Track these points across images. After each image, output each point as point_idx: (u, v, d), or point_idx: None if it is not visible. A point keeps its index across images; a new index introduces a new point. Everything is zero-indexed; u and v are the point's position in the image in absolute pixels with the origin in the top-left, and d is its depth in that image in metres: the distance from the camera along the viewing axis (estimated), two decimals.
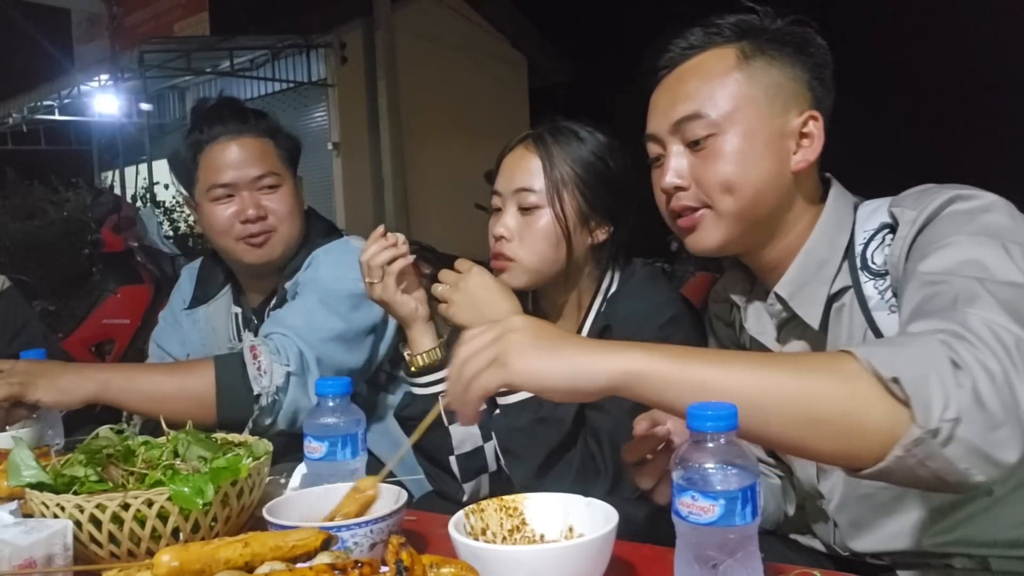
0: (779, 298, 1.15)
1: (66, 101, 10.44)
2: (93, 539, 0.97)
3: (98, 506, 0.95)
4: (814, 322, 1.12)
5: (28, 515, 1.02)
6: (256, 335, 1.77)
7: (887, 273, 1.07)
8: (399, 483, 1.06)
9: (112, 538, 0.97)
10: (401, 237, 1.40)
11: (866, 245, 1.10)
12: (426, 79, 9.74)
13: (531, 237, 1.37)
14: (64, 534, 0.93)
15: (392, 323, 1.71)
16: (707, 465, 0.76)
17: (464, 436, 1.38)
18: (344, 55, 9.56)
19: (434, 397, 1.38)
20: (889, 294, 1.06)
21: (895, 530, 1.11)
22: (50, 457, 1.18)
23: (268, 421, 1.52)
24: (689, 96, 1.12)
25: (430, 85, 9.81)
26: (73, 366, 1.54)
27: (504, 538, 0.96)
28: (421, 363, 1.39)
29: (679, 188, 1.14)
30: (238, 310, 1.83)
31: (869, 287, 1.08)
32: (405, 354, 1.42)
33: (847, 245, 1.12)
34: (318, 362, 1.56)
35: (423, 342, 1.39)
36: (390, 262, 1.37)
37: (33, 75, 10.44)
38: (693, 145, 1.12)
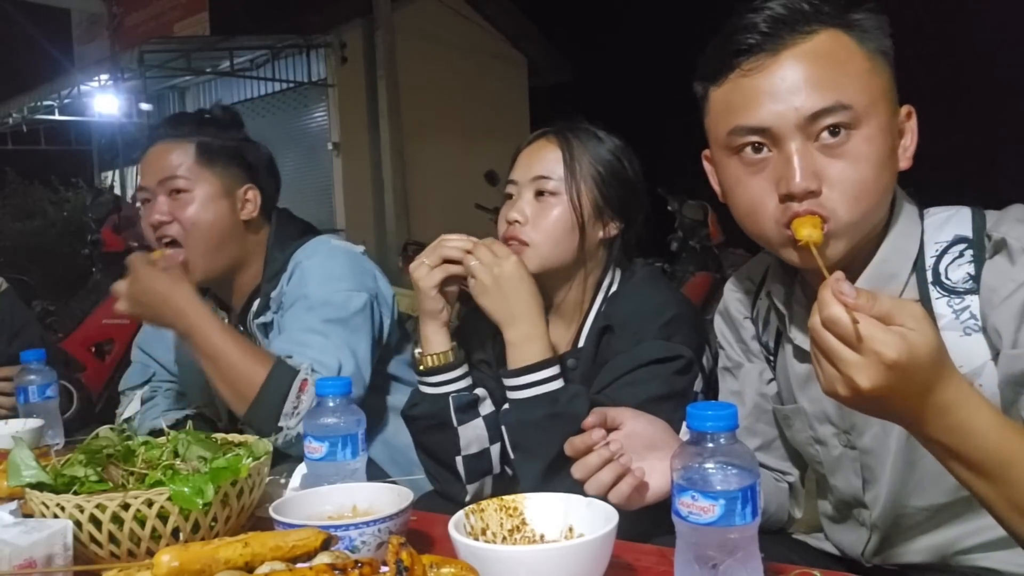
0: None
1: (66, 101, 10.44)
2: (93, 539, 0.96)
3: (98, 506, 0.95)
4: None
5: (28, 515, 1.02)
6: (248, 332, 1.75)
7: (967, 292, 0.99)
8: (395, 483, 1.06)
9: (112, 538, 0.96)
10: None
11: (938, 259, 1.02)
12: (426, 79, 9.74)
13: (545, 222, 1.38)
14: (64, 534, 0.93)
15: (388, 326, 1.71)
16: (707, 465, 0.76)
17: (472, 438, 1.38)
18: (344, 55, 9.56)
19: (444, 397, 1.37)
20: (967, 315, 0.99)
21: (927, 545, 1.10)
22: (50, 457, 1.18)
23: (281, 445, 1.51)
24: (825, 84, 0.96)
25: (430, 85, 9.81)
26: (185, 295, 1.52)
27: (504, 538, 0.96)
28: (431, 363, 1.38)
29: (811, 193, 0.97)
30: (223, 314, 1.78)
31: (941, 304, 1.00)
32: (416, 353, 1.41)
33: (915, 257, 1.04)
34: None
35: (436, 341, 1.39)
36: (456, 262, 1.36)
37: (33, 75, 10.45)
38: (827, 140, 0.97)
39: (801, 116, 0.97)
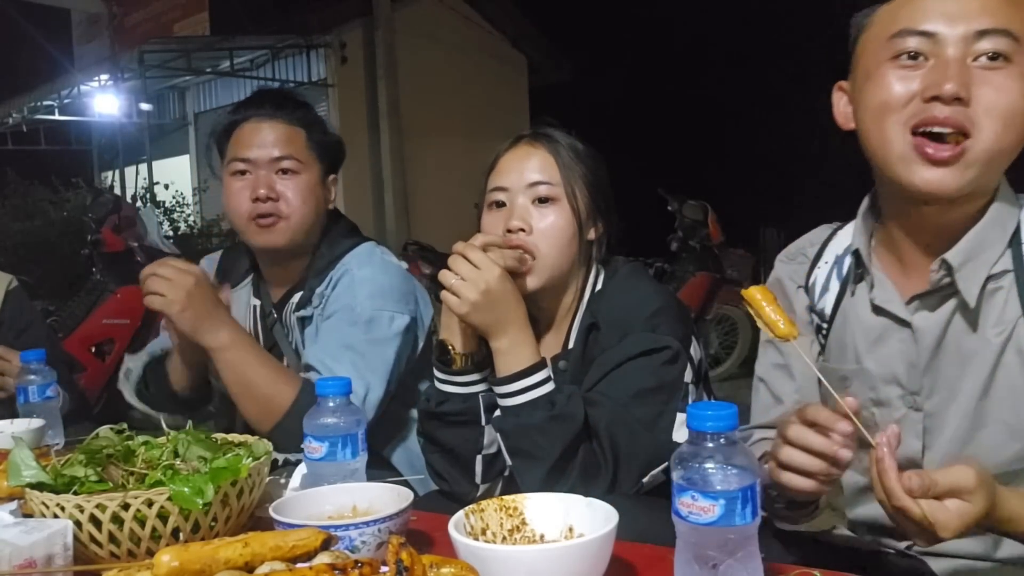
0: (946, 265, 1.07)
1: (66, 101, 10.46)
2: (93, 539, 0.97)
3: (98, 506, 0.95)
4: (971, 299, 1.07)
5: (28, 515, 1.02)
6: (272, 328, 1.76)
7: None
8: (404, 482, 1.06)
9: (112, 538, 0.97)
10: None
11: None
12: (426, 79, 9.75)
13: (549, 229, 1.37)
14: (64, 534, 0.93)
15: (420, 348, 1.72)
16: (707, 465, 0.76)
17: (493, 437, 1.37)
18: (344, 55, 9.57)
19: (474, 396, 1.37)
20: None
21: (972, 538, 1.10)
22: (50, 457, 1.18)
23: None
24: (997, 10, 1.02)
25: (430, 85, 9.82)
26: (222, 313, 1.55)
27: (504, 538, 0.96)
28: (464, 364, 1.37)
29: (958, 99, 1.01)
30: (257, 302, 1.81)
31: None
32: (450, 348, 1.38)
33: (1012, 233, 1.09)
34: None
35: (468, 341, 1.37)
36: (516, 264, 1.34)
37: (33, 75, 10.46)
38: (984, 63, 1.02)
39: (969, 30, 1.02)
